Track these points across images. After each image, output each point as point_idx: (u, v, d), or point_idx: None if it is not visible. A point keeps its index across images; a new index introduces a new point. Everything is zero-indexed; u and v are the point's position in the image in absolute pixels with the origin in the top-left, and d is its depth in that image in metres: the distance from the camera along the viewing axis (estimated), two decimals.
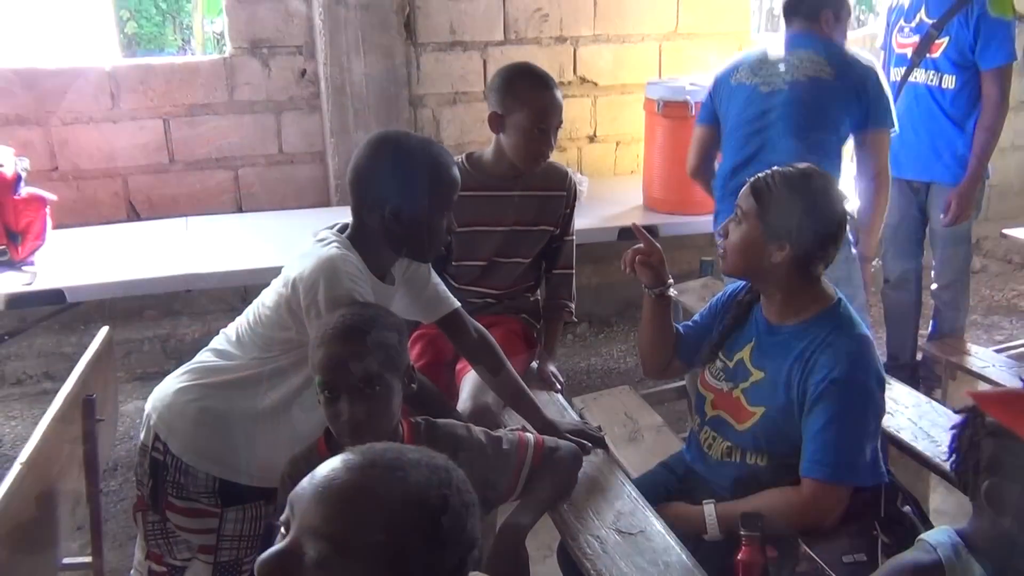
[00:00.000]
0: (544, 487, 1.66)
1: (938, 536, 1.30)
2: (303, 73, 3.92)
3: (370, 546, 0.83)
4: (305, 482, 0.88)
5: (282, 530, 0.88)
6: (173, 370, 1.89)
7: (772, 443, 1.77)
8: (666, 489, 1.91)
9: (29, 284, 2.90)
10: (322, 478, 0.87)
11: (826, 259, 1.76)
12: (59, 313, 3.38)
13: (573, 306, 2.43)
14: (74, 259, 3.12)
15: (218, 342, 1.84)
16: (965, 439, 1.28)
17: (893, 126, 2.77)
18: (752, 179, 1.81)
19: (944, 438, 1.92)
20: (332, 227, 1.80)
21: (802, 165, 1.83)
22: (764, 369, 1.79)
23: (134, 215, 3.90)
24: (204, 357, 1.83)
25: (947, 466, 1.80)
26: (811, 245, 1.73)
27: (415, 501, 0.86)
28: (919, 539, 1.31)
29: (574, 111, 4.32)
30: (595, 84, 4.36)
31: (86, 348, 2.21)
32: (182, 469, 1.74)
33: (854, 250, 2.79)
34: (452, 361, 2.27)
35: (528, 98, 2.20)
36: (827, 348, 1.69)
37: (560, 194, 2.37)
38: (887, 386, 2.13)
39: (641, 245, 1.91)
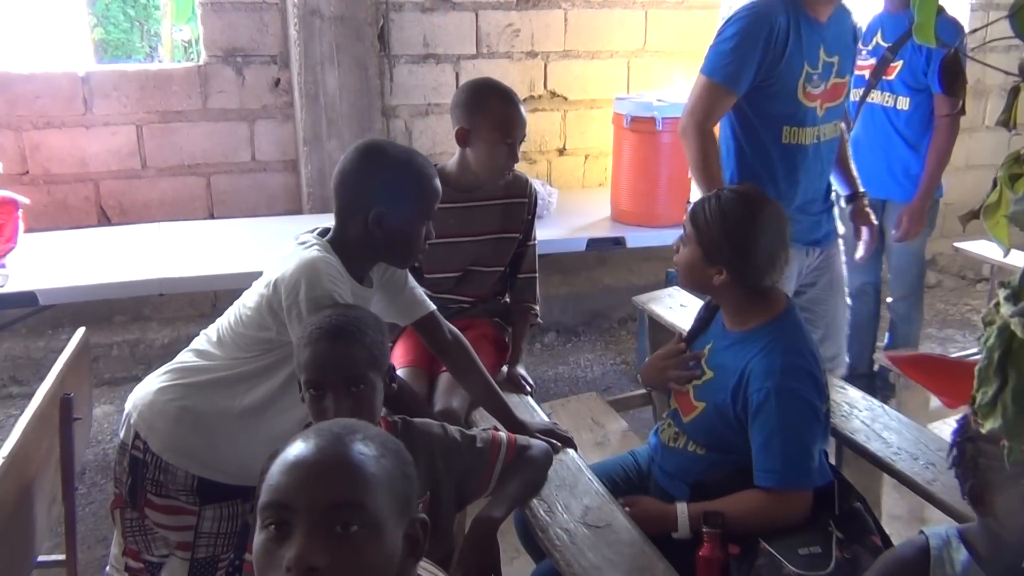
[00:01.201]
0: (516, 483, 1.71)
1: (936, 528, 1.38)
2: (277, 82, 3.96)
3: (389, 497, 0.96)
4: (292, 480, 0.94)
5: (271, 528, 0.93)
6: (143, 375, 1.91)
7: (708, 437, 1.86)
8: (624, 470, 2.05)
9: (1, 286, 2.91)
10: (312, 464, 0.95)
11: (772, 275, 1.82)
12: (30, 316, 3.37)
13: (538, 308, 2.50)
14: (46, 262, 3.12)
15: (199, 342, 1.87)
16: (956, 447, 1.34)
17: (707, 71, 2.54)
18: (694, 202, 1.88)
19: (895, 440, 2.02)
20: (313, 231, 1.83)
21: (740, 187, 1.88)
22: (714, 370, 1.88)
23: (105, 220, 3.90)
24: (185, 357, 1.85)
25: (898, 466, 1.92)
26: (748, 268, 1.79)
27: (390, 440, 1.01)
28: (920, 530, 1.39)
29: (544, 125, 4.41)
30: (565, 98, 4.44)
31: (54, 352, 2.22)
32: (161, 467, 1.76)
33: None
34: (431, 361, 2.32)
35: (495, 113, 2.27)
36: (764, 358, 1.75)
37: (523, 200, 2.45)
38: (842, 391, 2.25)
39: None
